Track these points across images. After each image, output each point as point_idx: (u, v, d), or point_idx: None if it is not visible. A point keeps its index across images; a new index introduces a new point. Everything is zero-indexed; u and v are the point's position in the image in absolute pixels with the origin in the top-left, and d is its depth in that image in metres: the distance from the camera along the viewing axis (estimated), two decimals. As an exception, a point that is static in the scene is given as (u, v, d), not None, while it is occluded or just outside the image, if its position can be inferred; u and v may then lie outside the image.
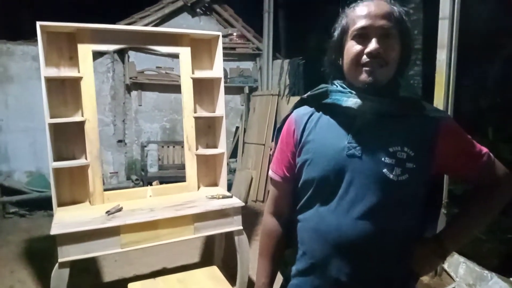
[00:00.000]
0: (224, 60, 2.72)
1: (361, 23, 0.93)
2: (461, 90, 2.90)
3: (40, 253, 3.30)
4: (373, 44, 0.91)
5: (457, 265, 2.78)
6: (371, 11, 0.92)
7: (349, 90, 0.98)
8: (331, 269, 0.98)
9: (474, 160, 0.98)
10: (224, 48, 2.73)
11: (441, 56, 2.81)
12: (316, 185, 0.99)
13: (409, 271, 1.01)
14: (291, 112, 1.10)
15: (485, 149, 0.99)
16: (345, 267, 0.97)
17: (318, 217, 1.00)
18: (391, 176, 0.91)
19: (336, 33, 1.00)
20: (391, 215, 0.94)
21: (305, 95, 1.07)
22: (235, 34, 5.69)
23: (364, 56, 0.93)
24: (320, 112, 1.03)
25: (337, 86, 1.01)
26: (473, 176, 1.00)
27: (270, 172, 1.15)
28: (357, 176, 0.94)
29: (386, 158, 0.92)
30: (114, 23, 4.20)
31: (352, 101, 0.96)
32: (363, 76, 0.93)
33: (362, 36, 0.93)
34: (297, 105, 1.11)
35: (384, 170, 0.92)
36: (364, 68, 0.93)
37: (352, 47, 0.95)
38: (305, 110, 1.07)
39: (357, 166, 0.94)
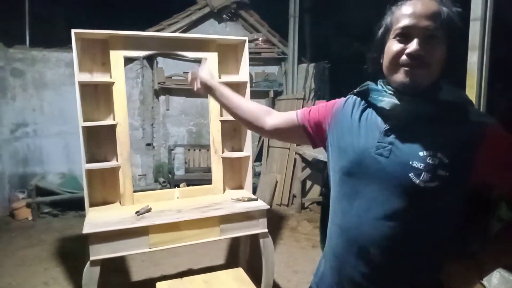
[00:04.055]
0: (249, 65, 2.75)
1: (405, 22, 0.89)
2: (493, 93, 2.81)
3: (72, 252, 3.42)
4: (414, 45, 0.87)
5: (491, 274, 2.68)
6: (416, 10, 0.88)
7: (385, 89, 0.96)
8: (349, 266, 0.98)
9: None
10: (249, 53, 2.76)
11: (473, 58, 2.73)
12: (340, 178, 1.00)
13: (439, 286, 0.95)
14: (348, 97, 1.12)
15: None
16: (362, 267, 0.95)
17: (342, 212, 1.00)
18: (417, 181, 0.87)
19: (379, 31, 0.98)
20: (415, 222, 0.90)
21: (354, 90, 1.08)
22: (260, 39, 5.73)
23: (404, 56, 0.89)
24: (367, 108, 1.03)
25: (377, 85, 1.00)
26: None
27: (297, 111, 1.21)
28: (381, 176, 0.92)
29: (414, 162, 0.88)
30: (143, 30, 4.32)
31: (386, 101, 0.94)
32: (401, 76, 0.90)
33: (405, 35, 0.90)
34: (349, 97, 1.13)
35: (410, 174, 0.87)
36: (402, 68, 0.90)
37: (392, 46, 0.92)
38: (356, 100, 1.07)
39: (383, 166, 0.92)
